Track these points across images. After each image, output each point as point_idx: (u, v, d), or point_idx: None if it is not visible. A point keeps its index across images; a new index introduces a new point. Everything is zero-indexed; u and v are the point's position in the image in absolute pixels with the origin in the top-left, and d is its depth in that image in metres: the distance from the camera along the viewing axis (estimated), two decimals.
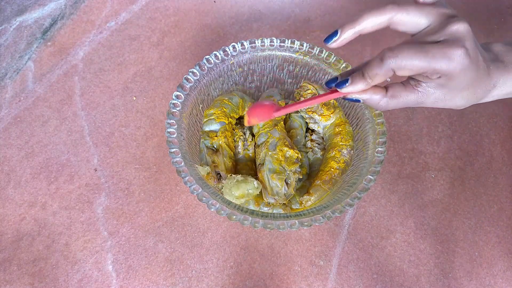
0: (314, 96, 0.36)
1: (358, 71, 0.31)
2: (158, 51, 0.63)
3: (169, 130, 0.42)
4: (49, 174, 0.52)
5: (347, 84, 0.31)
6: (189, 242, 0.48)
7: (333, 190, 0.43)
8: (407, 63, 0.27)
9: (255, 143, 0.47)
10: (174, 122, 0.42)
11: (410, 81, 0.31)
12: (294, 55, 0.49)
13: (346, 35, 0.30)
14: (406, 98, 0.31)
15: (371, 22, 0.30)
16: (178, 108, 0.44)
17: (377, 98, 0.31)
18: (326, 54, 0.48)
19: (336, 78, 0.33)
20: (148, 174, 0.52)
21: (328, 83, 0.33)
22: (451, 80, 0.29)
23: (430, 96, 0.31)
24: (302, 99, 0.48)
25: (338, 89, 0.32)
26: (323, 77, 0.50)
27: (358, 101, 0.32)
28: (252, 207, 0.43)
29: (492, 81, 0.31)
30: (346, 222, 0.50)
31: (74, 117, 0.57)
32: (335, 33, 0.31)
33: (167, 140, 0.41)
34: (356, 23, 0.30)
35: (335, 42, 0.31)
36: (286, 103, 0.51)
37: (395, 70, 0.28)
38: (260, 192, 0.41)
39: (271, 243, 0.48)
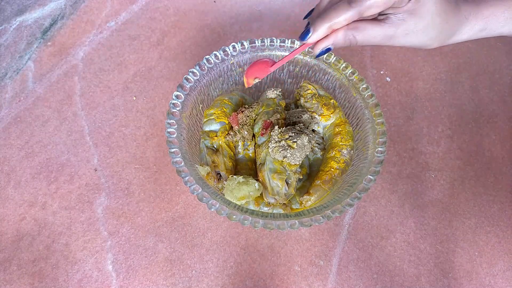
0: (294, 51, 0.35)
1: (320, 18, 0.29)
2: (158, 51, 0.63)
3: (169, 130, 0.42)
4: (49, 174, 0.52)
5: (309, 35, 0.30)
6: (189, 242, 0.48)
7: (333, 190, 0.43)
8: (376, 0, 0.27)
9: (256, 143, 0.47)
10: (174, 122, 0.42)
11: (378, 16, 0.31)
12: None
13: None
14: (372, 32, 0.30)
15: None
16: (178, 108, 0.44)
17: (340, 38, 0.30)
18: (326, 54, 0.48)
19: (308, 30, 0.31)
20: (148, 174, 0.52)
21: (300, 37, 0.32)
22: (420, 3, 0.28)
23: (400, 26, 0.30)
24: (302, 99, 0.48)
25: (302, 41, 0.31)
26: (323, 77, 0.50)
27: (329, 49, 0.32)
28: (252, 207, 0.43)
29: (463, 12, 0.31)
30: (346, 222, 0.50)
31: (74, 117, 0.57)
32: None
33: (167, 140, 0.41)
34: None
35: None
36: (286, 103, 0.51)
37: (364, 12, 0.28)
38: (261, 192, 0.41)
39: (271, 243, 0.48)
